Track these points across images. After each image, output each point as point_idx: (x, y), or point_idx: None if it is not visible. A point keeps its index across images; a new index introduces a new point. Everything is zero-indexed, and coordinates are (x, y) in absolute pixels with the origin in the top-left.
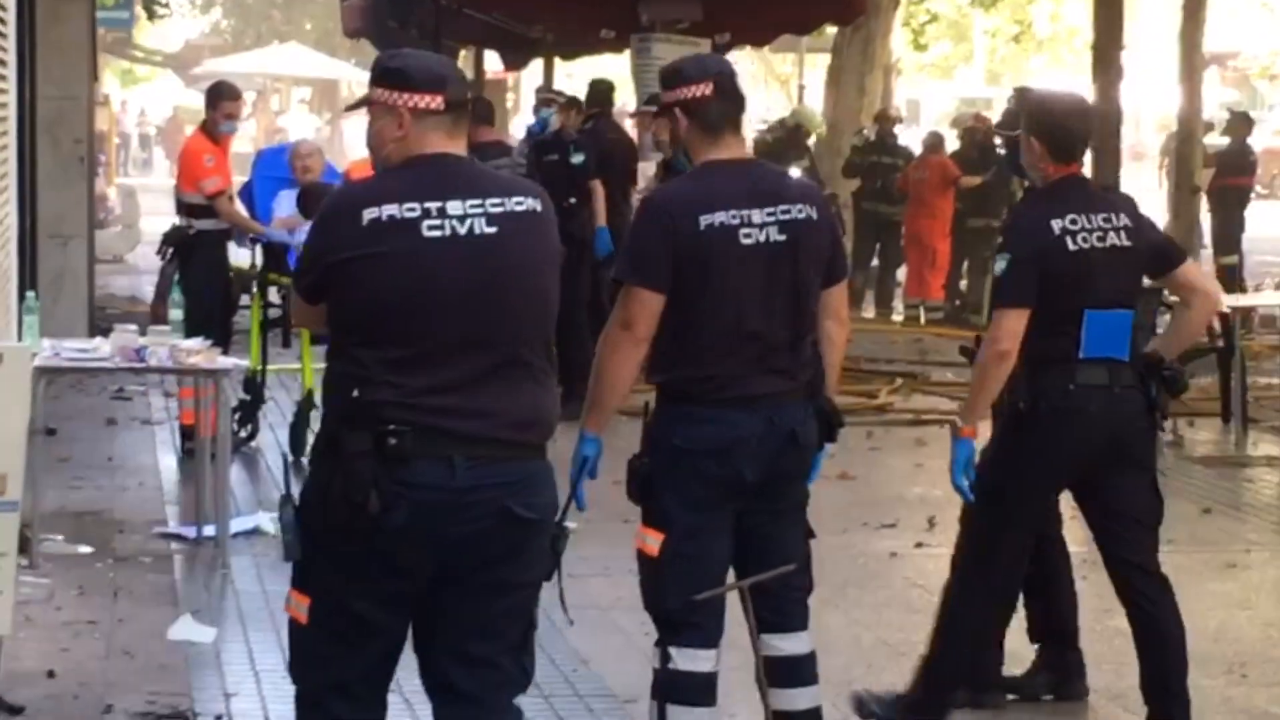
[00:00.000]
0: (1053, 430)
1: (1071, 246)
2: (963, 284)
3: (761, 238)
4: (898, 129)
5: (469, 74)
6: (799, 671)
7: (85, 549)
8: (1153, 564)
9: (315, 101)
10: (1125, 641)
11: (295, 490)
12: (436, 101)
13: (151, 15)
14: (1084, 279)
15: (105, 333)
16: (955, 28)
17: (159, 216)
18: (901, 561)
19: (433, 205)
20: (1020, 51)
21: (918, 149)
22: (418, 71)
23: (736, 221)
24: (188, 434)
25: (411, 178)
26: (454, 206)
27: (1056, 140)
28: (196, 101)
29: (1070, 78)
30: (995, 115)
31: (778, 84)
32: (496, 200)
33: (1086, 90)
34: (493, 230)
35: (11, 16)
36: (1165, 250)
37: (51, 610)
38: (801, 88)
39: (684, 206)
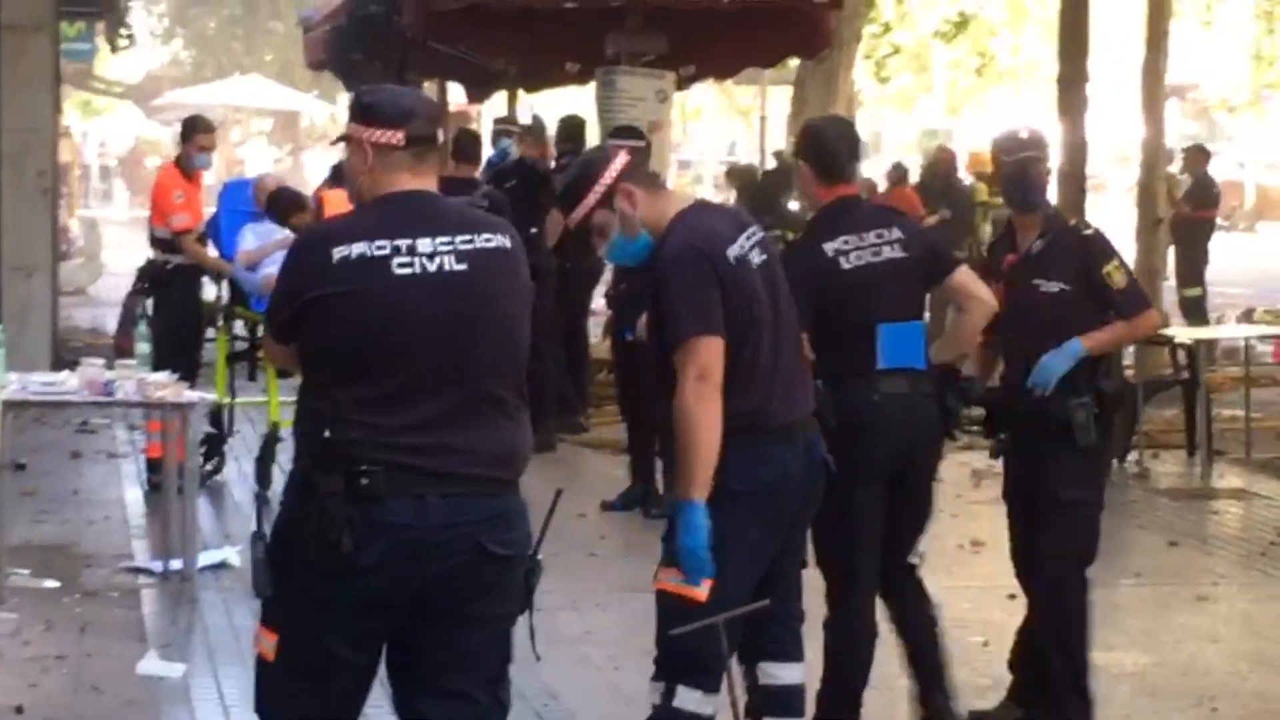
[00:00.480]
0: (865, 442)
1: (846, 265)
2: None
3: (758, 260)
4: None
5: None
6: (793, 702)
7: (52, 583)
8: (908, 557)
9: (276, 133)
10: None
11: (266, 526)
12: (397, 137)
13: (114, 47)
14: (868, 294)
15: (70, 365)
16: (916, 60)
17: (120, 248)
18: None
19: (402, 243)
20: (982, 83)
21: (879, 180)
22: (384, 107)
23: (743, 250)
24: (154, 467)
25: (381, 215)
26: (424, 244)
27: (824, 162)
28: (157, 133)
29: (1032, 109)
30: (956, 146)
31: (739, 115)
32: (466, 237)
33: (1052, 122)
34: (462, 267)
35: None
36: (938, 257)
37: (19, 645)
38: (763, 119)
39: (712, 244)
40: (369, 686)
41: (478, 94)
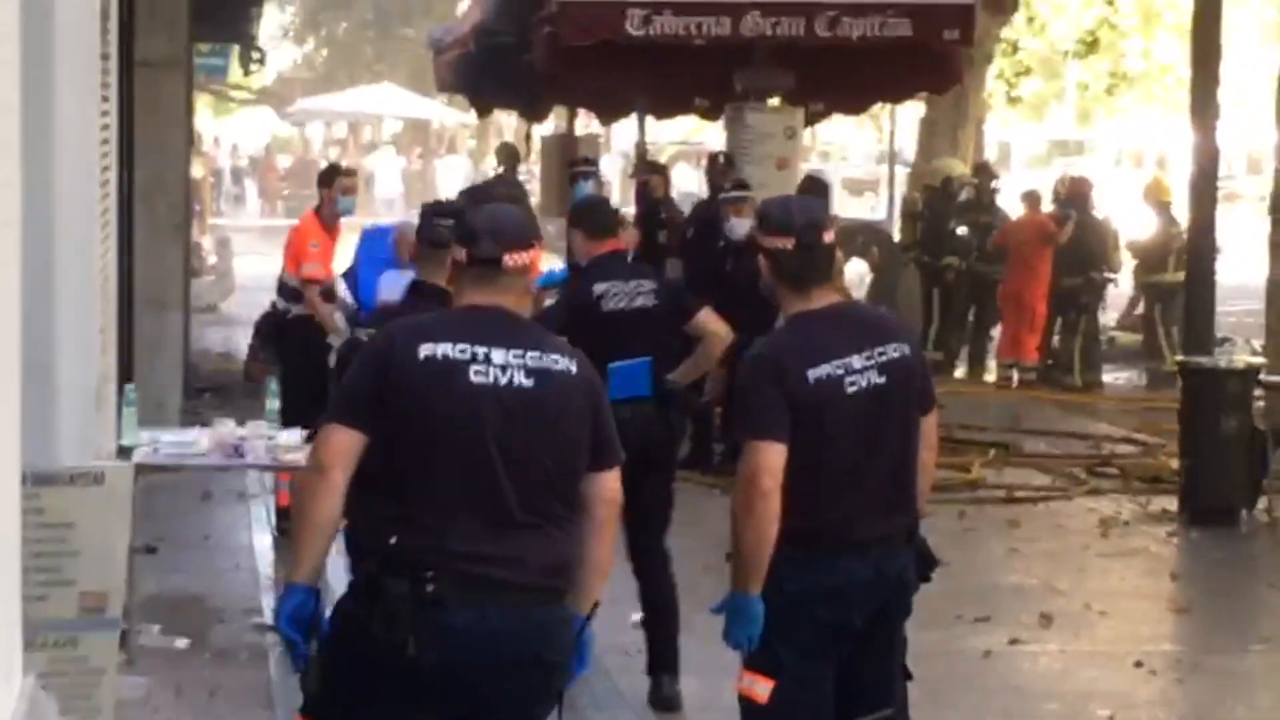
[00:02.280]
0: None
1: (605, 307)
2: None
3: (864, 383)
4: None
5: (561, 128)
6: None
7: (182, 643)
8: (658, 544)
9: (405, 139)
10: None
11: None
12: (462, 255)
13: (247, 71)
14: (615, 334)
15: (201, 393)
16: (1047, 64)
17: (252, 256)
18: (996, 661)
19: (480, 350)
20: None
21: (1009, 196)
22: (463, 224)
23: (841, 371)
24: (284, 515)
25: (461, 321)
26: (497, 355)
27: (592, 228)
28: (288, 132)
29: (1162, 115)
30: (1087, 159)
31: (868, 119)
32: (535, 354)
33: (1184, 129)
34: (529, 383)
35: (114, 84)
36: (682, 305)
37: (149, 712)
38: (892, 133)
39: (791, 361)
40: None
41: (607, 119)
